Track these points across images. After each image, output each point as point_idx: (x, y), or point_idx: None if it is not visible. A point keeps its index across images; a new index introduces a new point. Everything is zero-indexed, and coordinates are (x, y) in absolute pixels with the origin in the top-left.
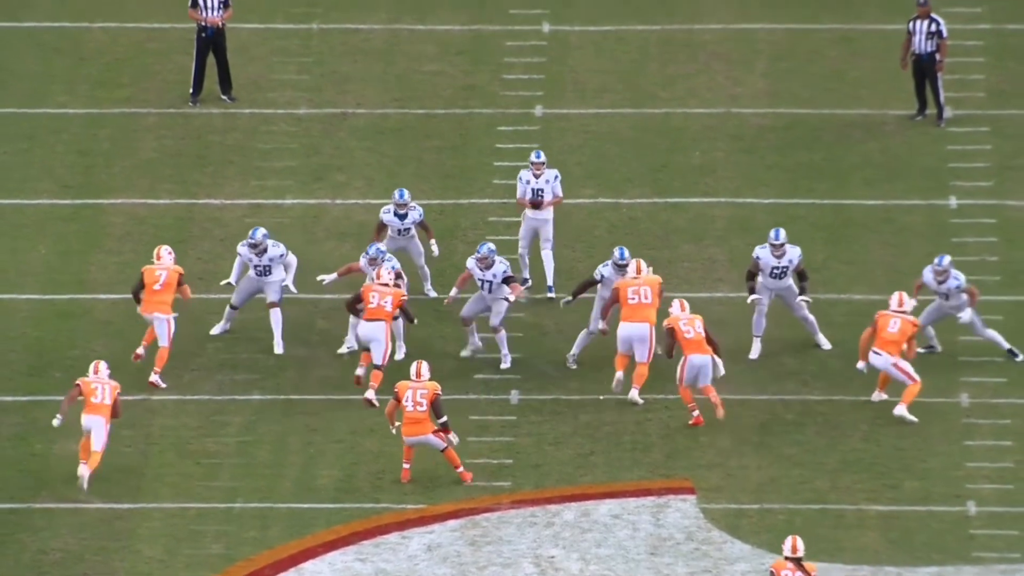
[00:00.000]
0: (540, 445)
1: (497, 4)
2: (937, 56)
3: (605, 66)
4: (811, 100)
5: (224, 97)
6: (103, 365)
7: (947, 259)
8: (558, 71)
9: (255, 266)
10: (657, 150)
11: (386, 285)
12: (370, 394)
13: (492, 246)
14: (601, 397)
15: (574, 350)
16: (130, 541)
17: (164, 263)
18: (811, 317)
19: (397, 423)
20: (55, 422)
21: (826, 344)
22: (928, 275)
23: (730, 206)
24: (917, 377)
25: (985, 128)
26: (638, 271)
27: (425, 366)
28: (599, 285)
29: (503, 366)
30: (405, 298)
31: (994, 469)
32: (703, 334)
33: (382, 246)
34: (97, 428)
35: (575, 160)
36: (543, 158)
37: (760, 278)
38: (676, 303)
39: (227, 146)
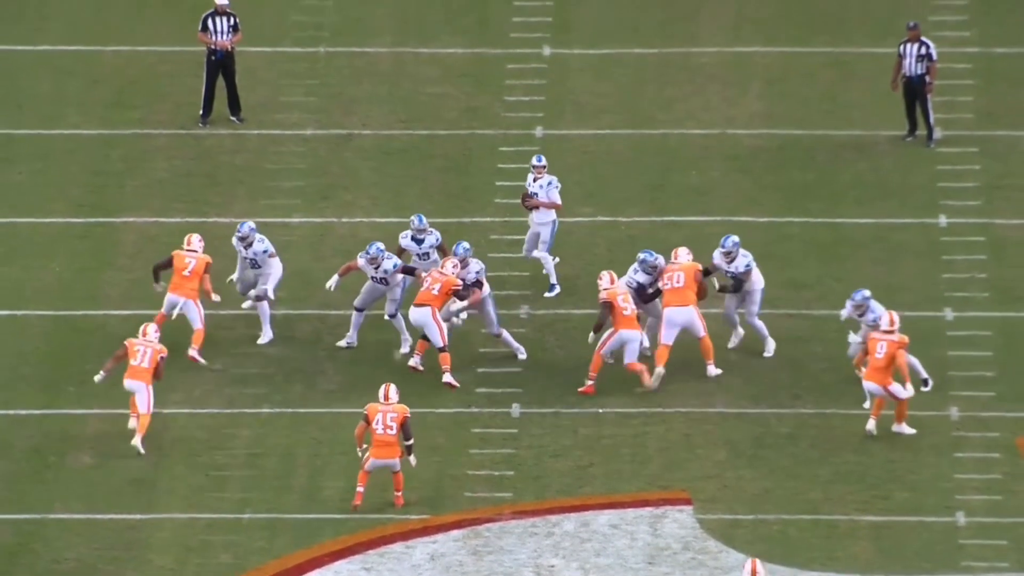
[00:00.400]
0: (541, 457)
1: (499, 28)
2: (927, 78)
3: (604, 88)
4: (804, 121)
5: (233, 119)
6: (152, 328)
7: (861, 294)
8: (558, 93)
9: (244, 258)
10: (654, 170)
11: (443, 274)
12: (448, 378)
13: (467, 245)
14: (600, 411)
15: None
16: (142, 551)
17: (194, 252)
18: (758, 323)
19: (364, 445)
20: (96, 378)
21: (769, 351)
22: (848, 310)
23: (726, 224)
24: (904, 395)
25: (974, 148)
26: (676, 256)
27: (393, 388)
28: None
29: (521, 357)
30: (457, 287)
31: (983, 480)
32: (637, 311)
33: (382, 245)
34: (139, 392)
35: (574, 180)
36: (543, 162)
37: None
38: (606, 275)
39: (236, 166)
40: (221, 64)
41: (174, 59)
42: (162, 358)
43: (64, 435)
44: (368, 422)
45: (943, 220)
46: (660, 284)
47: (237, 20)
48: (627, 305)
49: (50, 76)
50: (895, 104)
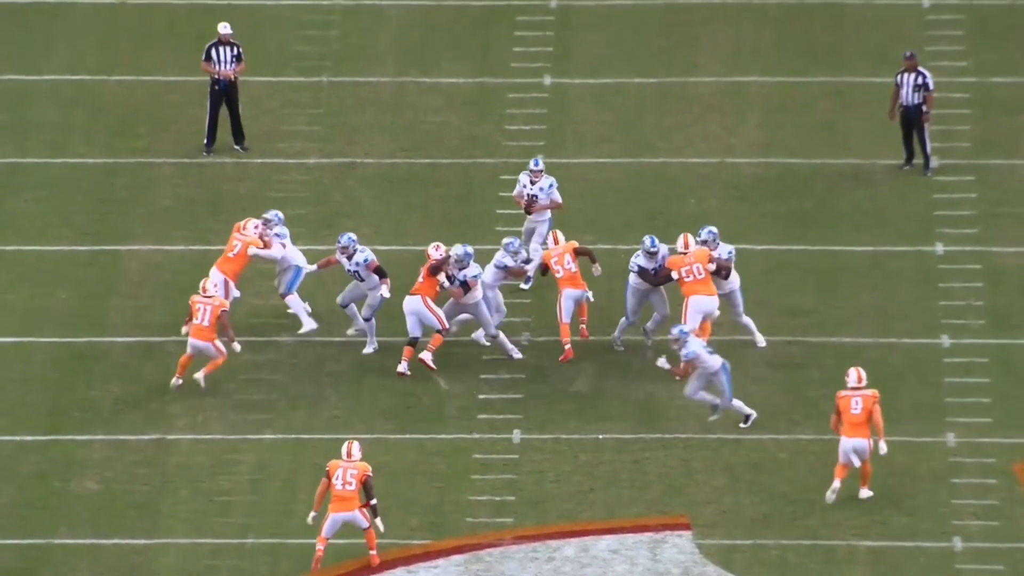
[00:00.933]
0: (541, 483)
1: (500, 57)
2: (924, 108)
3: (604, 117)
4: (803, 150)
5: (237, 147)
6: (211, 283)
7: (676, 330)
8: (559, 122)
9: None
10: (654, 198)
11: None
12: (425, 355)
13: (470, 250)
14: (600, 437)
15: (616, 334)
16: (146, 575)
17: (245, 235)
18: (746, 320)
19: (316, 513)
20: (183, 329)
21: (760, 343)
22: (676, 355)
23: None
24: (883, 450)
25: (970, 177)
26: (686, 245)
27: (356, 446)
28: (633, 275)
29: (516, 357)
30: (434, 262)
31: (980, 506)
32: (573, 269)
33: (354, 236)
34: (206, 350)
35: (575, 207)
36: (541, 166)
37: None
38: (550, 237)
39: (240, 194)
40: (224, 93)
41: (178, 88)
42: (223, 312)
43: (69, 461)
44: (329, 478)
45: (940, 248)
46: (675, 275)
47: (240, 50)
48: (559, 268)
49: (56, 105)
50: (892, 133)
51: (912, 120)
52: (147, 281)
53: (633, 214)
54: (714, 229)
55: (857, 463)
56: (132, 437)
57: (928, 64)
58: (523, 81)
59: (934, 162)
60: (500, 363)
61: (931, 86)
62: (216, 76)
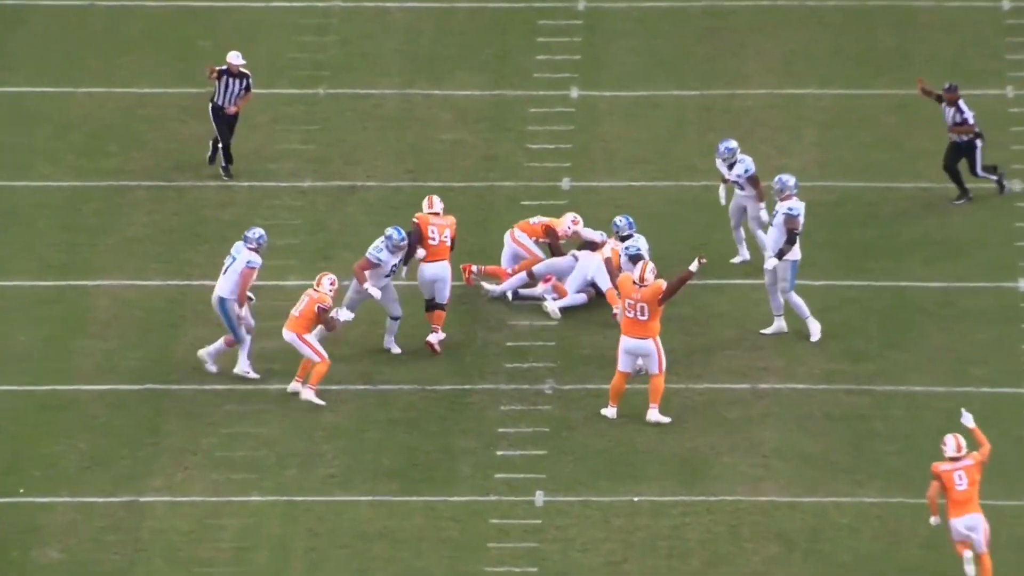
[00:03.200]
0: (567, 552)
1: (521, 67)
2: (967, 139)
3: (638, 135)
4: (864, 172)
5: (221, 169)
6: (327, 280)
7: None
8: (587, 140)
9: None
10: (694, 226)
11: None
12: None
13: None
14: (635, 499)
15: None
16: None
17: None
18: (796, 300)
19: None
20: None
21: (815, 334)
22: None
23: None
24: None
25: None
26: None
27: None
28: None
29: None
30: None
31: None
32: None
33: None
34: (294, 344)
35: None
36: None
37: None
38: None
39: (224, 222)
40: (227, 121)
41: (155, 102)
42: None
43: (29, 526)
44: None
45: (1022, 284)
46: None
47: (250, 80)
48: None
49: (16, 121)
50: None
51: (960, 151)
52: (118, 320)
53: (671, 244)
54: (732, 144)
55: (975, 538)
56: (100, 499)
57: (1009, 75)
58: (546, 94)
59: (1016, 184)
60: (521, 414)
61: (971, 120)
62: (220, 104)
